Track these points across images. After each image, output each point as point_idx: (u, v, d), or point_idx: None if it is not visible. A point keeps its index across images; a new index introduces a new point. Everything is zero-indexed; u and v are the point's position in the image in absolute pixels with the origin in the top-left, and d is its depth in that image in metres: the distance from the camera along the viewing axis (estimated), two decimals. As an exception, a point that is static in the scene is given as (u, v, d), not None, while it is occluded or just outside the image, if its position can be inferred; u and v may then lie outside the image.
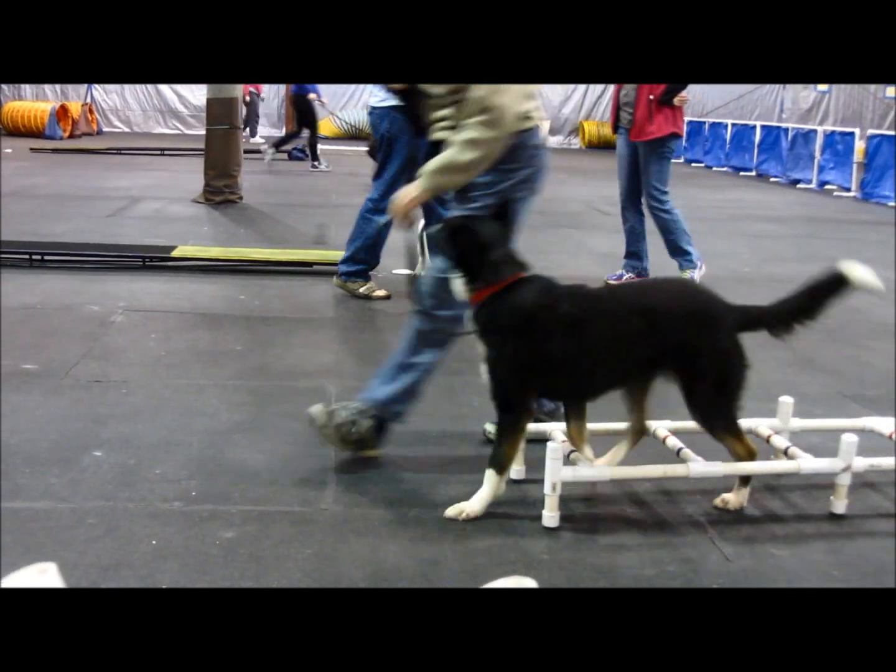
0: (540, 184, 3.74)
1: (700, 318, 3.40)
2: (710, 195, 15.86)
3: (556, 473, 3.31)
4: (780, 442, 3.77)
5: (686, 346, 3.37)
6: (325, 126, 25.10)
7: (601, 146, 25.61)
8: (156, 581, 2.89)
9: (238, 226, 10.15)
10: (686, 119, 24.33)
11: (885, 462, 3.68)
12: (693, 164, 22.88)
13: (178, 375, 4.72)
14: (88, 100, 25.05)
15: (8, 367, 4.81)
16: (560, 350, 3.31)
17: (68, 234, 8.78)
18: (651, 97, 7.23)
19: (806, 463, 3.57)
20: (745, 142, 21.14)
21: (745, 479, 3.57)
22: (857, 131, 17.60)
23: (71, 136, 21.95)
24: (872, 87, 28.09)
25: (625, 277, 7.66)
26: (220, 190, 11.35)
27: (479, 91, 3.38)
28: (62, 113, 22.10)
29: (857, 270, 3.39)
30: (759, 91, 26.91)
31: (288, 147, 18.24)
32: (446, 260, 3.51)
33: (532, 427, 3.65)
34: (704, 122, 23.44)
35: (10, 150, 16.88)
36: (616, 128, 7.64)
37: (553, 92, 27.18)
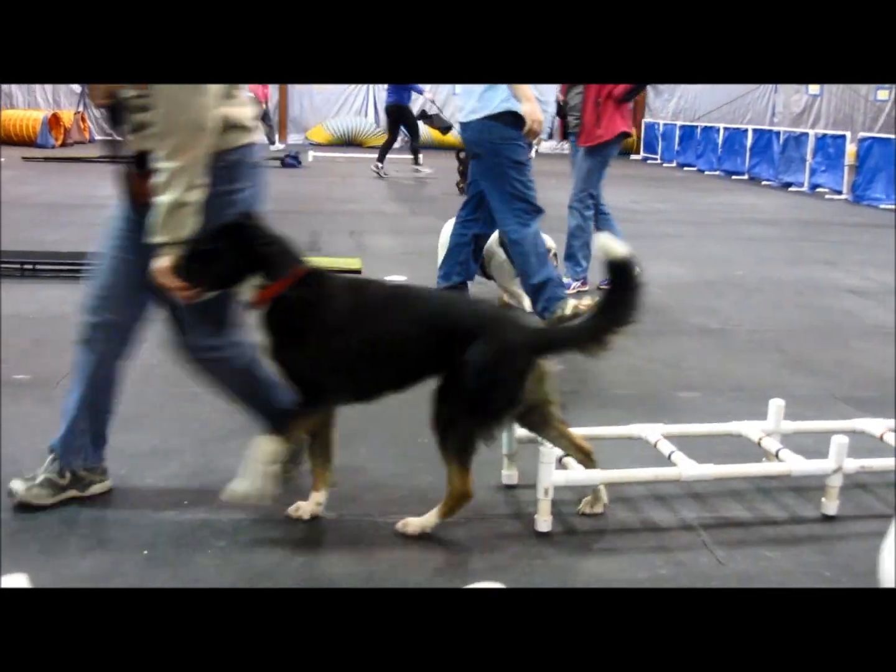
0: (259, 205, 3.41)
1: (483, 331, 3.17)
2: (702, 199, 15.90)
3: (547, 478, 3.32)
4: (771, 444, 3.78)
5: (457, 355, 3.14)
6: (318, 133, 25.17)
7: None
8: (148, 589, 2.89)
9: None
10: (679, 123, 24.48)
11: (876, 463, 3.69)
12: (685, 168, 22.91)
13: (171, 383, 4.71)
14: (81, 108, 25.02)
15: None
16: (341, 345, 3.19)
17: (61, 244, 8.76)
18: (598, 100, 7.12)
19: (797, 465, 3.58)
20: (737, 145, 21.19)
21: (446, 511, 3.31)
22: (848, 134, 17.65)
23: (63, 145, 21.91)
24: (863, 89, 28.14)
25: (571, 286, 7.42)
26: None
27: (165, 99, 2.99)
28: (54, 121, 22.07)
29: (602, 240, 3.19)
30: (750, 95, 26.93)
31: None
32: (224, 265, 3.17)
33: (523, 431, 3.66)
34: (696, 127, 23.48)
35: (2, 159, 16.86)
36: (566, 133, 7.57)
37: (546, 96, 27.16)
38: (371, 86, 26.47)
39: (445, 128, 17.86)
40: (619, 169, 21.92)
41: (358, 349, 3.20)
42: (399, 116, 17.19)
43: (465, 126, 6.04)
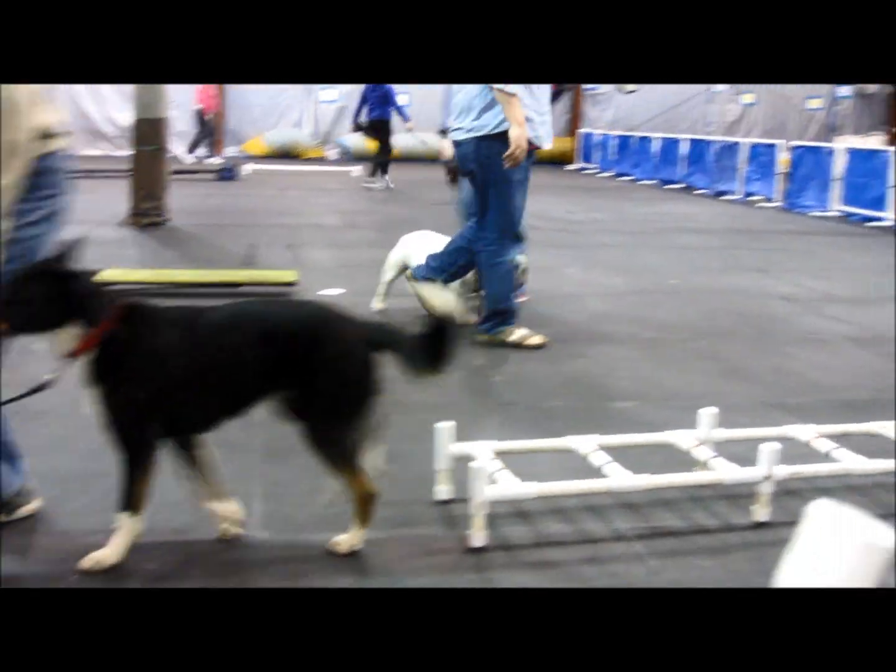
0: (64, 217, 3.28)
1: (317, 336, 3.13)
2: (638, 208, 16.03)
3: (480, 493, 3.31)
4: (702, 453, 3.80)
5: (300, 366, 3.10)
6: (255, 145, 25.03)
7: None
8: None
9: (166, 248, 10.05)
10: (614, 133, 24.69)
11: (806, 469, 3.73)
12: (621, 178, 23.10)
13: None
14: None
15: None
16: (173, 378, 3.07)
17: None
18: None
19: (728, 473, 3.61)
20: (673, 155, 21.40)
21: (363, 518, 3.28)
22: (780, 143, 17.90)
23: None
24: (795, 98, 28.66)
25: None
26: (147, 212, 11.22)
27: None
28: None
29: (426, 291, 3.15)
30: (685, 105, 27.26)
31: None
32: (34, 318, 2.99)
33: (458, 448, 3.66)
34: (632, 136, 23.69)
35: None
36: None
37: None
38: (308, 97, 26.41)
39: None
40: (555, 179, 22.16)
41: (192, 380, 3.09)
42: (380, 130, 17.32)
43: (460, 145, 6.03)
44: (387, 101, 16.97)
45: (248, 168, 19.46)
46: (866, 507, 3.75)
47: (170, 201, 11.67)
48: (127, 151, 12.36)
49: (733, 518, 3.68)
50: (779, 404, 5.11)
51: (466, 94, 5.89)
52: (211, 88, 22.31)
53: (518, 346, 6.13)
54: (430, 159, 19.34)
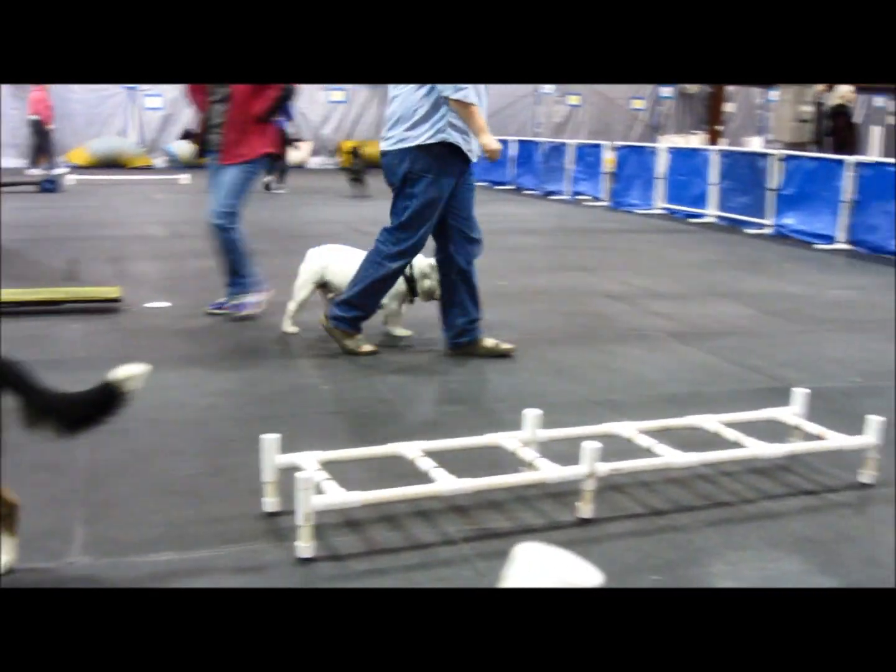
0: None
1: None
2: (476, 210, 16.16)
3: (307, 503, 3.29)
4: (527, 454, 3.86)
5: None
6: (79, 155, 24.35)
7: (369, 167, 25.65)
8: None
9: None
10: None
11: (627, 465, 3.83)
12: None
13: None
14: None
15: None
16: None
17: None
18: (243, 118, 6.73)
19: (551, 472, 3.67)
20: (502, 156, 21.63)
21: (8, 528, 3.17)
22: (605, 143, 18.35)
23: None
24: (620, 99, 29.46)
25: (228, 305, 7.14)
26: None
27: None
28: None
29: (123, 373, 3.05)
30: (512, 107, 27.72)
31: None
32: None
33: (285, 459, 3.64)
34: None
35: None
36: (204, 151, 7.02)
37: (313, 112, 27.18)
38: (132, 104, 25.88)
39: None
40: (383, 183, 22.12)
41: None
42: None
43: (385, 154, 5.90)
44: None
45: (71, 178, 18.89)
46: (687, 499, 3.91)
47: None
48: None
49: (559, 516, 3.74)
50: (604, 402, 5.22)
51: (403, 102, 5.74)
52: (46, 97, 21.50)
53: (353, 353, 6.07)
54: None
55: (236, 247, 6.88)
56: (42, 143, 21.76)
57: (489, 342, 6.17)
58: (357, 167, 18.23)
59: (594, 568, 1.93)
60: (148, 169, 24.29)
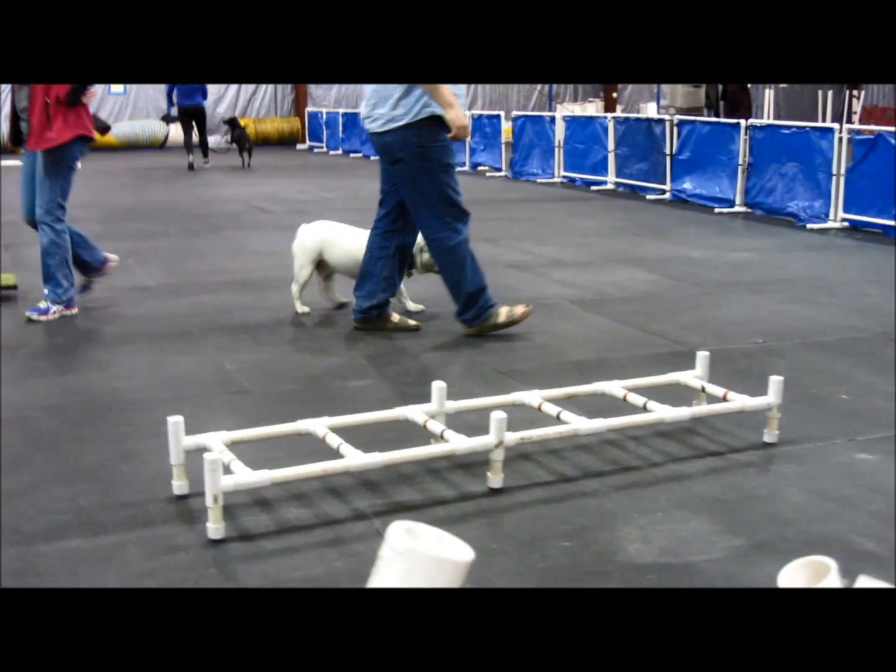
0: None
1: None
2: (367, 184, 15.98)
3: (216, 484, 3.26)
4: (434, 426, 3.87)
5: None
6: None
7: (261, 143, 25.41)
8: None
9: None
10: (341, 111, 24.70)
11: (535, 433, 3.86)
12: (352, 155, 23.15)
13: None
14: None
15: None
16: None
17: None
18: (47, 100, 6.28)
19: (460, 444, 3.69)
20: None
21: None
22: (502, 113, 18.40)
23: None
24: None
25: (53, 311, 6.52)
26: None
27: None
28: None
29: None
30: (409, 79, 27.60)
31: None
32: None
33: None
34: (358, 114, 23.75)
35: None
36: (16, 140, 6.62)
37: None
38: None
39: (104, 128, 17.43)
40: (285, 160, 22.04)
41: None
42: (197, 116, 18.69)
43: (382, 135, 5.79)
44: (199, 88, 18.35)
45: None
46: (595, 464, 3.96)
47: None
48: None
49: (469, 486, 3.76)
50: (511, 371, 5.25)
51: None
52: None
53: (511, 323, 6.04)
54: (152, 146, 19.66)
55: (52, 248, 6.44)
56: None
57: (396, 317, 6.15)
58: (238, 136, 19.33)
59: (466, 545, 1.94)
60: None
